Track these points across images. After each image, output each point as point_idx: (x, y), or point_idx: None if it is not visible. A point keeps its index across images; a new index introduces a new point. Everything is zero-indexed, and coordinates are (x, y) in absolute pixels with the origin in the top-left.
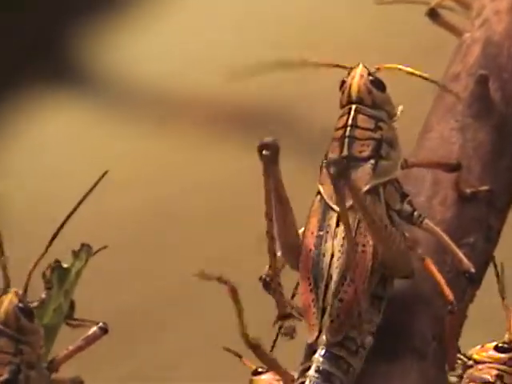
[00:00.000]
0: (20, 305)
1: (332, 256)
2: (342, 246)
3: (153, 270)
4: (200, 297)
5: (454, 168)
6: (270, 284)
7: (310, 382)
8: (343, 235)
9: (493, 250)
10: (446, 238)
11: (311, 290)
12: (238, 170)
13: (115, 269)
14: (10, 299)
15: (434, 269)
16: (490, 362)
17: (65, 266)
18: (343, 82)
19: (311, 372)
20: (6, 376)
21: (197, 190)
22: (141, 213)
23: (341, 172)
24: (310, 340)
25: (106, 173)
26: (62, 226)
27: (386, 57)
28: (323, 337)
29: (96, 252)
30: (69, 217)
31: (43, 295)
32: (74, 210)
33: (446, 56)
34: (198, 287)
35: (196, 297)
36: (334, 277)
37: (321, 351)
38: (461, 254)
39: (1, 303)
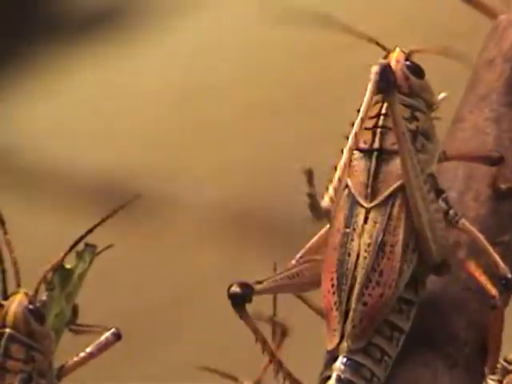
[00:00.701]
0: (30, 307)
1: (358, 256)
2: (368, 245)
3: (165, 268)
4: (217, 295)
5: (496, 161)
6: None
7: None
8: (370, 234)
9: None
10: (483, 239)
11: (334, 293)
12: None
13: (122, 269)
14: (19, 300)
15: (474, 270)
16: None
17: (67, 267)
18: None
19: (332, 382)
20: None
21: None
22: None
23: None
24: (331, 347)
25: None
26: (87, 233)
27: (417, 43)
28: (345, 343)
29: (101, 251)
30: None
31: (44, 298)
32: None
33: (479, 41)
34: (213, 285)
35: (212, 295)
36: (359, 278)
37: (342, 359)
38: (497, 258)
39: (9, 305)
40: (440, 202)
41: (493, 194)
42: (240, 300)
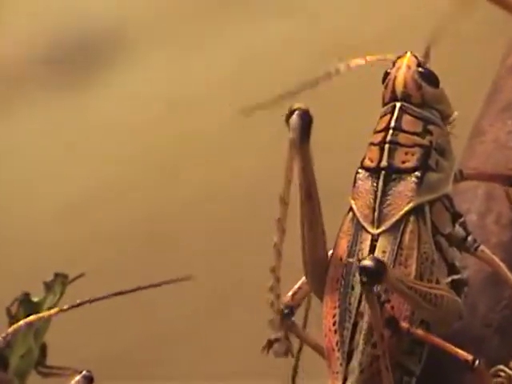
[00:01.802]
0: None
1: (361, 295)
2: None
3: (145, 304)
4: (200, 337)
5: None
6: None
7: None
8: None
9: None
10: (505, 268)
11: (336, 331)
12: None
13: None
14: None
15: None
16: None
17: (35, 299)
18: (387, 74)
19: None
20: None
21: None
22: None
23: (374, 280)
24: None
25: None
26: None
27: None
28: None
29: (73, 280)
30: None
31: (8, 335)
32: None
33: (502, 43)
34: (198, 324)
35: (195, 336)
36: (366, 316)
37: None
38: None
39: None
40: (457, 227)
41: None
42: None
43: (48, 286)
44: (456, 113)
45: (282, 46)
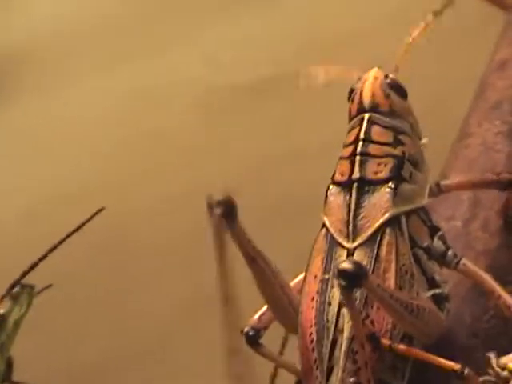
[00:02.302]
0: None
1: (342, 304)
2: (355, 292)
3: (119, 314)
4: (178, 348)
5: (507, 185)
6: (257, 340)
7: None
8: None
9: None
10: (490, 279)
11: (313, 349)
12: None
13: (66, 313)
14: None
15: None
16: None
17: (0, 312)
18: (352, 90)
19: None
20: None
21: None
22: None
23: (354, 284)
24: None
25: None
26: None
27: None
28: None
29: (40, 291)
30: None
31: None
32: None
33: (490, 38)
34: (174, 333)
35: (174, 346)
36: (346, 332)
37: None
38: (509, 299)
39: None
40: (436, 241)
41: (503, 223)
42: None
43: (14, 298)
44: (426, 139)
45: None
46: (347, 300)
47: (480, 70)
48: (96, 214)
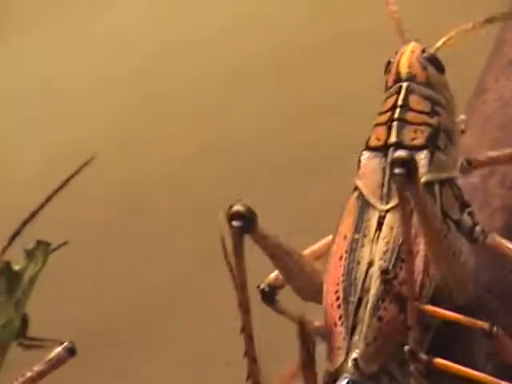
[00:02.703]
0: None
1: (370, 264)
2: (384, 252)
3: (133, 270)
4: (195, 308)
5: None
6: (272, 296)
7: None
8: (386, 240)
9: None
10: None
11: (339, 306)
12: None
13: (81, 269)
14: None
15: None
16: None
17: (16, 268)
18: (389, 63)
19: None
20: None
21: None
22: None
23: (409, 174)
24: (333, 367)
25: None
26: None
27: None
28: (349, 363)
29: (55, 249)
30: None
31: None
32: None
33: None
34: (187, 292)
35: (186, 305)
36: (373, 289)
37: (342, 381)
38: None
39: None
40: (465, 216)
41: None
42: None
43: (29, 254)
44: (463, 116)
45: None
46: (401, 190)
47: (497, 26)
48: (86, 164)
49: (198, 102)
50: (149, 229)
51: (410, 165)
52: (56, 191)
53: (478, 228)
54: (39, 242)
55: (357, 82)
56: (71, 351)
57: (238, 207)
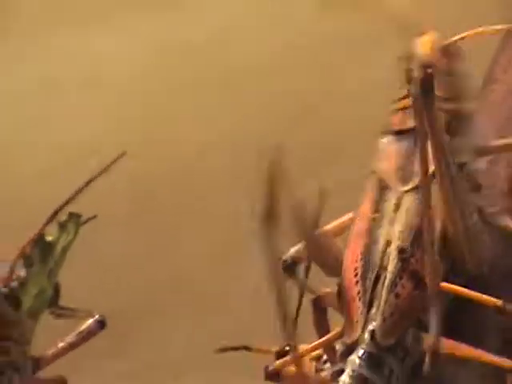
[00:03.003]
0: (3, 290)
1: (388, 243)
2: (402, 232)
3: (162, 247)
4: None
5: None
6: (293, 268)
7: None
8: (403, 221)
9: None
10: None
11: (357, 282)
12: None
13: (112, 243)
14: None
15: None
16: None
17: (49, 239)
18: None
19: (344, 378)
20: None
21: None
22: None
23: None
24: (351, 339)
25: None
26: (65, 203)
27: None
28: (365, 335)
29: (86, 221)
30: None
31: (22, 274)
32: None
33: None
34: (210, 274)
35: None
36: (391, 267)
37: (359, 352)
38: None
39: None
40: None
41: None
42: None
43: (62, 226)
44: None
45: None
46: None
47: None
48: (118, 158)
49: (202, 101)
50: (174, 204)
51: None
52: (88, 183)
53: (488, 209)
54: (71, 214)
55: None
56: (102, 324)
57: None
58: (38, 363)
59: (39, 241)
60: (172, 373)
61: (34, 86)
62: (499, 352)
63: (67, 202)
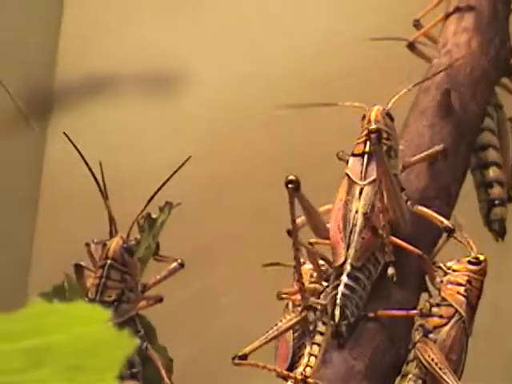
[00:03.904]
0: (124, 245)
1: (356, 211)
2: (363, 206)
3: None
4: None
5: (444, 153)
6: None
7: (341, 292)
8: (365, 200)
9: (451, 212)
10: (436, 215)
11: (340, 232)
12: None
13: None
14: (117, 241)
15: (424, 211)
16: (463, 271)
17: (153, 216)
18: (364, 116)
19: (341, 287)
20: (113, 297)
21: None
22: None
23: (379, 139)
24: (337, 263)
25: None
26: (156, 192)
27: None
28: (348, 265)
29: (175, 207)
30: (161, 187)
31: (138, 237)
32: (166, 181)
33: (420, 76)
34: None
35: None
36: (359, 223)
37: (347, 273)
38: (441, 218)
39: (111, 244)
40: (403, 194)
41: (429, 173)
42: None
43: (160, 209)
44: (402, 146)
45: None
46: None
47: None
48: (184, 162)
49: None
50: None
51: (379, 134)
52: (164, 183)
53: (409, 202)
54: (166, 202)
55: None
56: (182, 265)
57: (291, 177)
58: (145, 288)
59: (148, 217)
60: None
61: None
62: (414, 289)
63: (156, 193)
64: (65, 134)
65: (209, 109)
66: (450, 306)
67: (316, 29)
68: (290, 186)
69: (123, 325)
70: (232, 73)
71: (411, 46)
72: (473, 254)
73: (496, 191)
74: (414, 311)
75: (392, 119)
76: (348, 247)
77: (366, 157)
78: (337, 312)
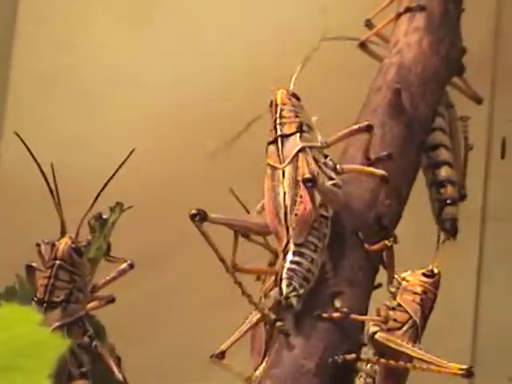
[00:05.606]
0: (73, 246)
1: (284, 193)
2: (289, 185)
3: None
4: None
5: (366, 129)
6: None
7: (286, 268)
8: (289, 180)
9: (402, 210)
10: (368, 168)
11: (275, 217)
12: None
13: (142, 219)
14: (65, 242)
15: (353, 167)
16: (418, 282)
17: (104, 217)
18: (271, 102)
19: (287, 263)
20: (62, 297)
21: None
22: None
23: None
24: (280, 247)
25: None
26: (100, 191)
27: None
28: (291, 244)
29: (126, 209)
30: (105, 186)
31: (89, 237)
32: (108, 181)
33: (371, 75)
34: None
35: None
36: (289, 202)
37: (291, 252)
38: (370, 169)
39: (59, 245)
40: (328, 160)
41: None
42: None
43: (111, 209)
44: (315, 117)
45: None
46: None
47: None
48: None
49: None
50: None
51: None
52: (108, 180)
53: (338, 166)
54: (117, 203)
55: None
56: (131, 266)
57: (193, 211)
58: (94, 288)
59: (99, 217)
60: None
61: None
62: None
63: (101, 191)
64: (16, 133)
65: (161, 109)
66: (406, 312)
67: (268, 30)
68: (196, 219)
69: (72, 325)
70: (184, 74)
71: (363, 46)
72: (430, 267)
73: (448, 190)
74: (377, 317)
75: (298, 98)
76: (287, 229)
77: (279, 140)
78: (283, 285)
